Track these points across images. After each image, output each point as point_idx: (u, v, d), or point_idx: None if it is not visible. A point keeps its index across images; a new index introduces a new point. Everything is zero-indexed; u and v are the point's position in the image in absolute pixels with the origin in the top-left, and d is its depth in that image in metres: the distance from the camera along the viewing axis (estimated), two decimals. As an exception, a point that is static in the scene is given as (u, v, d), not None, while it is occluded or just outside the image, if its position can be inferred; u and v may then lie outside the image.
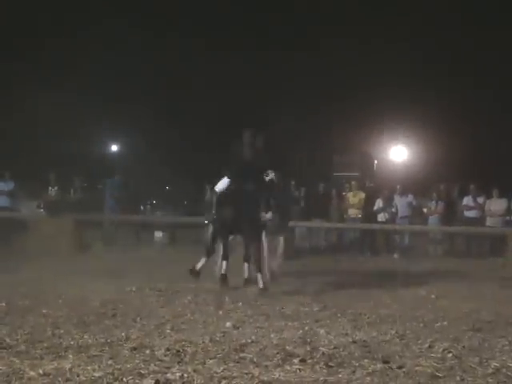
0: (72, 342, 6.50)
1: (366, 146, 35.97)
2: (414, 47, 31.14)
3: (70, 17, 31.25)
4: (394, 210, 18.49)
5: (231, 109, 30.71)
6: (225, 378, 5.40)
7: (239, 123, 11.05)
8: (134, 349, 6.27)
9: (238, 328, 7.38)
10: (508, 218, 18.39)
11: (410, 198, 18.86)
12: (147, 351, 6.18)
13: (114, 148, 37.87)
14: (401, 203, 18.63)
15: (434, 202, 18.64)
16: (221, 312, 8.52)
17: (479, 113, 31.12)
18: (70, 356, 5.96)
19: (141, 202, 20.16)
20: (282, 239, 11.89)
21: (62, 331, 7.03)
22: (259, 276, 10.46)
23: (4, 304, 8.61)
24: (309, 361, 5.92)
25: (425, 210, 19.16)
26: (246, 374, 5.55)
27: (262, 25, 32.27)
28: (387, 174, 31.20)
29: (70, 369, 5.57)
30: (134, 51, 31.66)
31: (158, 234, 19.59)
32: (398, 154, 36.80)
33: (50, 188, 19.24)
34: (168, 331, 7.15)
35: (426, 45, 31.62)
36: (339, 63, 31.34)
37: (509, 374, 5.69)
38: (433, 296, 10.40)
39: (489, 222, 18.28)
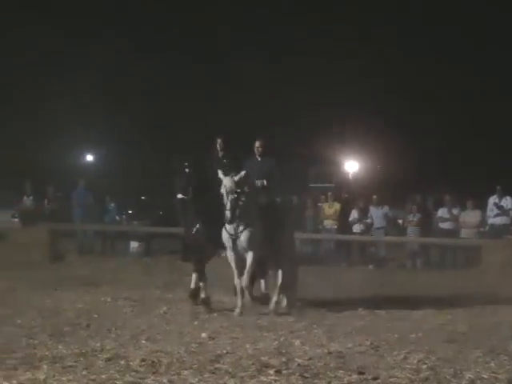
0: (47, 353, 6.47)
1: (342, 158, 36.26)
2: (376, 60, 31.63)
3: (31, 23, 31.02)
4: (369, 221, 18.50)
5: (207, 120, 30.75)
6: (200, 389, 5.41)
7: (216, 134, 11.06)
8: (109, 359, 6.24)
9: (213, 339, 7.37)
10: (482, 229, 18.44)
11: (386, 209, 18.86)
12: (122, 362, 6.16)
13: (90, 158, 37.74)
14: (376, 214, 18.64)
15: (412, 214, 18.60)
16: (196, 323, 8.51)
17: (453, 125, 31.45)
18: (45, 366, 5.93)
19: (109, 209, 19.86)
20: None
21: (36, 342, 7.00)
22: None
23: (-23, 314, 8.55)
24: (284, 372, 5.92)
25: (400, 221, 19.19)
26: (222, 384, 5.56)
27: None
28: (363, 185, 31.29)
29: (45, 379, 5.55)
30: (110, 62, 31.66)
31: (134, 244, 19.44)
32: (353, 166, 37.47)
33: (25, 197, 19.07)
34: (143, 342, 7.13)
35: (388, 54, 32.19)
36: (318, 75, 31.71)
37: (483, 385, 5.73)
38: (408, 307, 10.42)
39: (463, 233, 18.32)
